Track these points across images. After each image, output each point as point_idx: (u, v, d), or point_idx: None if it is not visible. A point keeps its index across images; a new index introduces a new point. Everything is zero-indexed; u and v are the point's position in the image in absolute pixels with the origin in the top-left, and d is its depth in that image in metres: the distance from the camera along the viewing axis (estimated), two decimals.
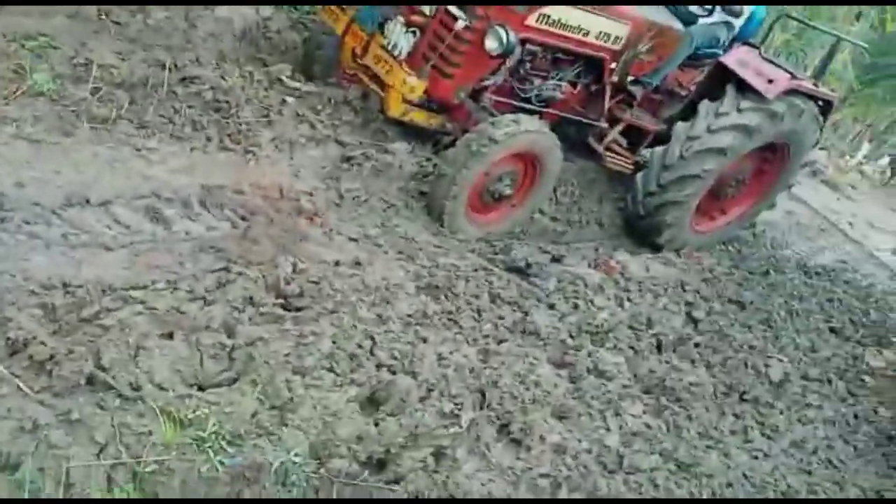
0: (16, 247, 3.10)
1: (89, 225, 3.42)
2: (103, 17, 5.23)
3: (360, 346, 3.32)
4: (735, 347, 4.99)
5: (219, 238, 3.71)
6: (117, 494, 2.15)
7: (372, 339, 3.41)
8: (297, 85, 5.24)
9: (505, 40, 4.76)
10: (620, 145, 6.07)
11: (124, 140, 4.16)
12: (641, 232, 6.01)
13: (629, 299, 5.00)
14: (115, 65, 4.55)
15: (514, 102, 5.37)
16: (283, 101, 5.03)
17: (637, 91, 5.91)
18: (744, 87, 5.63)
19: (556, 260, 5.08)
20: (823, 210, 8.56)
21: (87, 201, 3.55)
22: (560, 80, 5.58)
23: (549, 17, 5.05)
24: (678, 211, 5.81)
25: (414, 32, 4.91)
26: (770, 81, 5.61)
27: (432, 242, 4.63)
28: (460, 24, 4.78)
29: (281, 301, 3.42)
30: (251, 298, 3.29)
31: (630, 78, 5.78)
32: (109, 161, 3.94)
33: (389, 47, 4.95)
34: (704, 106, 5.68)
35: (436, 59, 4.91)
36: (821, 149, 10.93)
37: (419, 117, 5.22)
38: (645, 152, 5.96)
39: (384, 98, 5.10)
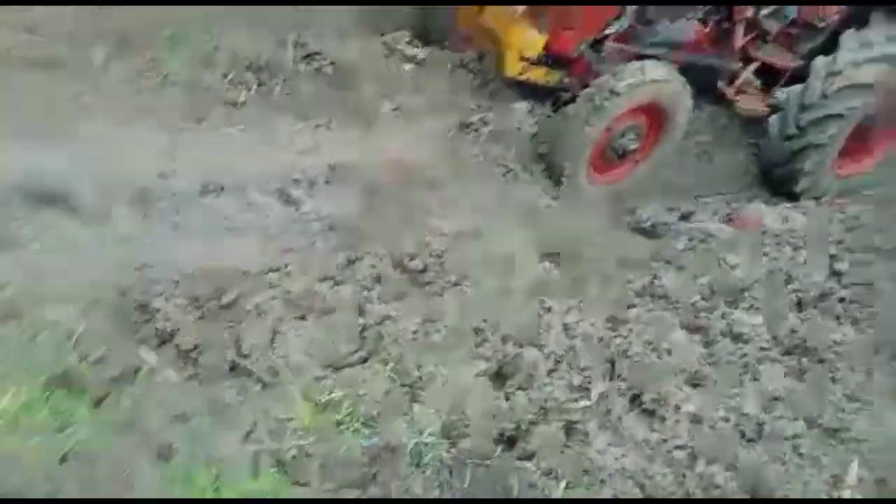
0: (160, 237, 3.32)
1: (226, 211, 3.61)
2: None
3: (484, 321, 3.34)
4: (884, 301, 4.64)
5: (346, 217, 3.82)
6: (261, 480, 2.30)
7: (496, 310, 3.44)
8: (415, 52, 5.23)
9: None
10: (754, 87, 5.66)
11: (253, 123, 4.32)
12: (777, 180, 5.59)
13: (765, 254, 4.73)
14: (245, 48, 4.71)
15: (639, 50, 5.06)
16: (402, 69, 5.05)
17: (772, 25, 5.44)
18: (892, 16, 5.08)
19: (685, 217, 4.89)
20: None
21: (223, 188, 3.73)
22: (689, 18, 5.20)
23: None
24: (819, 155, 5.36)
25: None
26: None
27: (554, 206, 4.56)
28: None
29: (407, 276, 3.50)
30: (378, 276, 3.39)
31: (764, 10, 5.33)
32: (241, 145, 4.12)
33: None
34: (848, 36, 5.16)
35: (556, 11, 4.70)
36: None
37: (537, 75, 5.02)
38: (781, 93, 5.54)
39: (500, 57, 4.97)
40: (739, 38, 5.39)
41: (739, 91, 5.58)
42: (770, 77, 5.64)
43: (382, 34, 5.38)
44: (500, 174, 4.63)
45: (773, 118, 5.45)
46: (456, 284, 3.53)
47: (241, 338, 2.82)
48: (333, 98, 4.65)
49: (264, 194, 3.80)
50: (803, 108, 5.24)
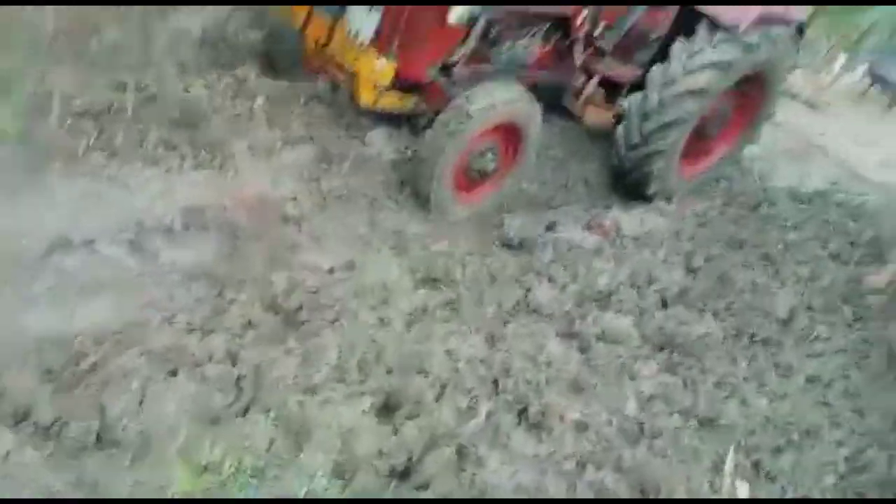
0: (5, 305, 3.03)
1: (75, 270, 3.34)
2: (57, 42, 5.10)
3: (366, 354, 3.28)
4: (738, 289, 4.99)
5: (208, 262, 3.64)
6: None
7: (376, 343, 3.38)
8: (264, 86, 5.11)
9: (467, 11, 4.65)
10: (599, 99, 5.96)
11: (98, 172, 4.05)
12: (630, 186, 5.93)
13: (627, 257, 4.97)
14: (77, 93, 4.43)
15: (487, 70, 5.23)
16: (253, 106, 4.91)
17: (608, 41, 5.78)
18: (715, 24, 5.50)
19: (550, 228, 5.03)
20: (806, 132, 8.49)
21: (70, 244, 3.47)
22: (532, 37, 5.41)
23: None
24: (664, 160, 5.72)
25: (377, 10, 4.73)
26: (739, 13, 5.47)
27: (422, 231, 4.57)
28: None
29: (281, 318, 3.37)
30: (250, 321, 3.25)
31: (601, 25, 5.64)
32: (86, 197, 3.85)
33: (353, 34, 4.81)
34: (678, 46, 5.54)
35: (402, 38, 4.76)
36: (794, 69, 10.83)
37: (391, 102, 5.07)
38: (624, 103, 5.87)
39: (354, 88, 4.97)
40: (579, 55, 5.67)
41: (585, 104, 5.87)
42: (612, 89, 5.97)
43: (229, 70, 5.23)
44: (365, 204, 4.59)
45: (619, 128, 5.76)
46: (334, 321, 3.45)
47: (105, 405, 2.61)
48: (183, 140, 4.45)
49: (117, 247, 3.55)
50: (644, 116, 5.57)
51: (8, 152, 3.96)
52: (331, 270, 3.77)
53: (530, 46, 5.46)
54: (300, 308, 3.41)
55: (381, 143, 4.98)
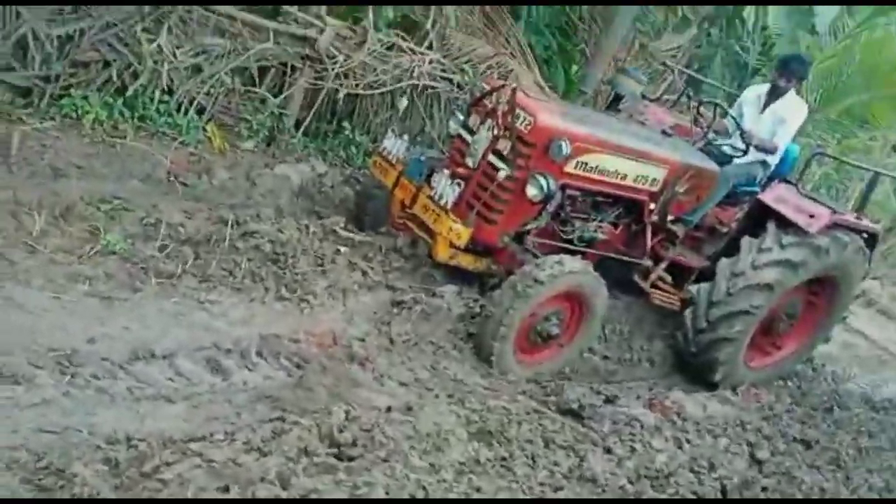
0: (84, 402, 3.22)
1: (153, 378, 3.55)
2: (172, 178, 5.66)
3: (412, 496, 3.28)
4: (804, 490, 4.76)
5: (275, 387, 3.80)
6: None
7: (425, 489, 3.38)
8: (350, 235, 5.47)
9: (546, 188, 4.98)
10: (666, 282, 6.09)
11: (189, 294, 4.37)
12: (695, 370, 5.94)
13: (688, 440, 4.85)
14: (182, 223, 4.85)
15: (557, 244, 5.51)
16: (337, 250, 5.25)
17: (678, 230, 6.01)
18: (785, 224, 5.70)
19: (610, 401, 5.00)
20: (883, 341, 8.31)
21: (152, 355, 3.70)
22: (601, 221, 5.72)
23: (586, 163, 5.24)
24: (730, 347, 5.75)
25: (459, 184, 5.12)
26: (811, 216, 5.66)
27: (482, 384, 4.64)
28: (502, 175, 5.03)
29: (335, 450, 3.43)
30: (306, 448, 3.31)
31: (670, 217, 5.90)
32: (174, 315, 4.14)
33: (436, 197, 5.17)
34: (746, 242, 5.74)
35: (480, 206, 5.14)
36: (873, 279, 10.77)
37: (466, 261, 5.38)
38: (692, 288, 5.98)
39: (432, 244, 5.30)
40: (649, 240, 5.92)
41: (654, 285, 6.02)
42: (681, 274, 6.12)
43: (320, 218, 5.64)
44: (431, 351, 4.73)
45: (687, 312, 5.87)
46: (385, 460, 3.47)
47: None
48: (270, 274, 4.77)
49: (194, 363, 3.76)
50: (712, 304, 5.69)
51: (114, 268, 4.34)
52: (388, 410, 3.84)
53: (601, 227, 5.74)
54: (354, 443, 3.46)
55: (451, 296, 5.18)
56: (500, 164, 5.09)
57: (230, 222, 4.98)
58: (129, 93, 5.97)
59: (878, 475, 5.31)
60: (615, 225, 5.86)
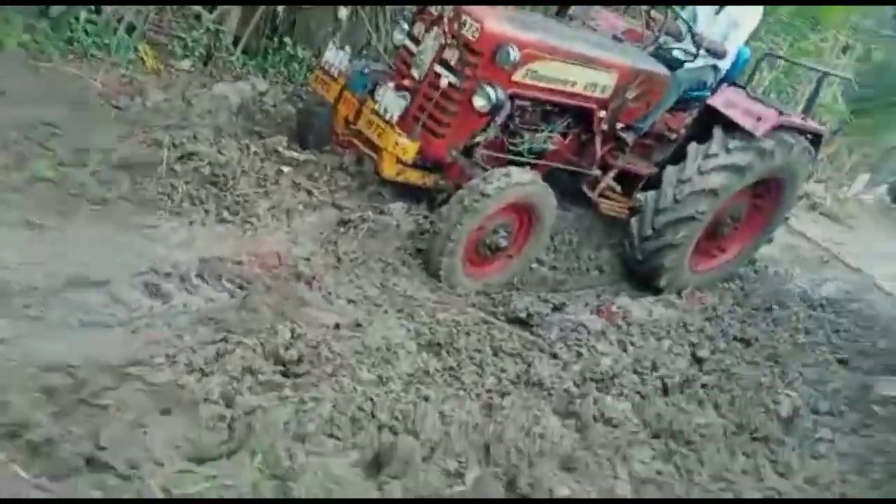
0: (17, 331, 3.15)
1: (89, 305, 3.47)
2: (103, 102, 5.44)
3: (360, 409, 3.32)
4: (742, 385, 4.94)
5: (217, 309, 3.76)
6: None
7: (372, 400, 3.41)
8: (293, 154, 5.36)
9: (494, 97, 4.86)
10: (614, 191, 6.14)
11: (124, 220, 4.25)
12: (641, 276, 6.05)
13: (632, 343, 4.99)
14: (115, 147, 4.69)
15: (506, 156, 5.46)
16: (280, 170, 5.15)
17: (628, 137, 5.99)
18: (732, 128, 5.72)
19: (558, 309, 5.10)
20: (824, 242, 8.55)
21: (88, 282, 3.61)
22: (551, 132, 5.66)
23: (535, 71, 5.12)
24: (675, 253, 5.86)
25: (404, 96, 5.02)
26: (758, 119, 5.69)
27: (432, 299, 4.67)
28: (448, 84, 4.92)
29: (280, 368, 3.44)
30: (250, 368, 3.32)
31: (620, 125, 5.87)
32: (109, 241, 4.03)
33: (381, 111, 5.05)
34: (693, 148, 5.77)
35: (427, 119, 5.03)
36: (818, 181, 11.00)
37: (413, 177, 5.31)
38: (639, 196, 6.02)
39: (378, 160, 5.20)
40: (598, 149, 5.88)
41: (602, 195, 6.04)
42: (629, 182, 6.15)
43: (262, 138, 5.50)
44: (379, 269, 4.72)
45: (633, 220, 5.96)
46: (332, 375, 3.50)
47: (99, 432, 2.68)
48: (210, 197, 4.66)
49: (131, 288, 3.69)
50: (658, 211, 5.77)
51: (43, 195, 4.19)
52: (336, 327, 3.85)
53: (550, 137, 5.68)
54: (300, 359, 3.48)
55: (399, 213, 5.14)
56: (446, 74, 4.97)
57: (166, 144, 4.83)
58: (54, 14, 5.67)
59: (813, 369, 5.54)
60: (564, 135, 5.82)
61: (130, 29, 6.13)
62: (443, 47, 5.01)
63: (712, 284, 6.44)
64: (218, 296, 3.88)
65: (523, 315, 4.82)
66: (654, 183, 5.96)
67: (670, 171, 5.78)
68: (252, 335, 3.54)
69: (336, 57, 5.28)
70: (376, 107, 5.07)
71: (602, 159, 5.97)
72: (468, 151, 5.32)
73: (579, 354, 4.63)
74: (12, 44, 5.43)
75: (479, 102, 4.91)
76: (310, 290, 4.25)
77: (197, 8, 6.44)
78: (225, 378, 3.20)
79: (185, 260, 4.02)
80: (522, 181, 4.91)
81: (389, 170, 5.14)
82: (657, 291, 5.96)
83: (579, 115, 5.72)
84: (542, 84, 5.23)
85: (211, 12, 6.52)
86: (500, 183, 4.80)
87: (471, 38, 4.88)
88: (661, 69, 5.87)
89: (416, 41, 5.18)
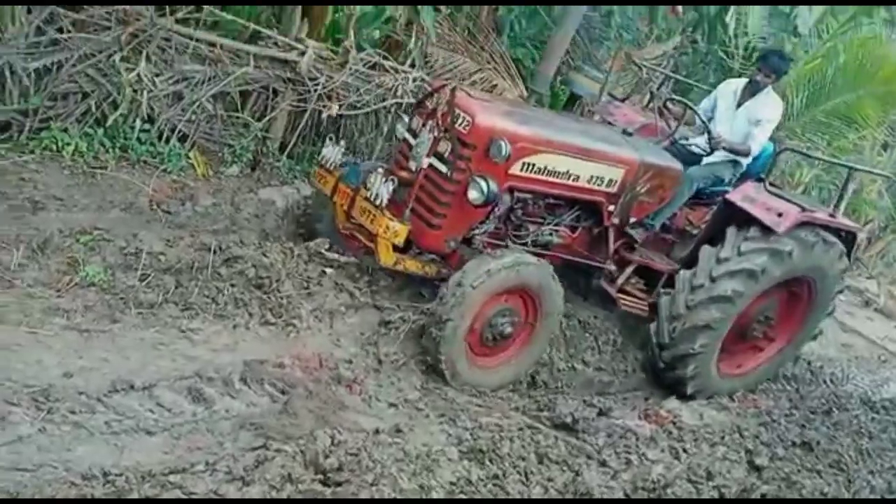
0: (60, 437, 3.15)
1: (132, 410, 3.48)
2: (154, 207, 5.62)
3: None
4: (805, 495, 4.68)
5: (258, 414, 3.73)
6: None
7: None
8: (336, 256, 5.38)
9: (486, 190, 4.70)
10: (636, 286, 5.82)
11: (170, 323, 4.29)
12: (668, 384, 5.71)
13: (684, 450, 4.78)
14: (163, 251, 4.79)
15: (511, 247, 5.19)
16: (323, 272, 5.17)
17: (637, 234, 5.73)
18: (752, 224, 5.43)
19: (604, 413, 4.93)
20: (881, 340, 8.24)
21: (132, 386, 3.63)
22: (556, 224, 5.44)
23: (533, 164, 4.97)
24: (695, 362, 5.53)
25: (392, 180, 4.84)
26: (779, 215, 5.36)
27: (474, 402, 4.57)
28: (442, 177, 4.83)
29: (320, 476, 3.36)
30: (290, 476, 3.24)
31: (632, 220, 5.64)
32: (155, 345, 4.07)
33: (371, 197, 4.87)
34: (705, 252, 5.50)
35: (423, 211, 4.91)
36: (869, 277, 10.74)
37: (413, 266, 5.13)
38: (657, 298, 5.67)
39: (375, 249, 4.96)
40: (611, 244, 5.65)
41: (622, 291, 5.76)
42: (652, 277, 5.86)
43: (305, 241, 5.57)
44: (419, 371, 4.65)
45: (651, 326, 5.67)
46: (372, 484, 3.40)
47: None
48: (253, 299, 4.69)
49: (175, 393, 3.69)
50: (672, 318, 5.47)
51: (92, 300, 4.27)
52: (376, 432, 3.77)
53: (556, 230, 5.47)
54: (340, 467, 3.39)
55: None
56: (440, 167, 4.88)
57: (213, 249, 4.92)
58: (110, 123, 5.96)
59: (881, 476, 5.23)
60: (574, 228, 5.60)
61: (182, 138, 6.39)
62: (437, 140, 4.92)
63: (755, 386, 6.11)
64: (259, 400, 3.86)
65: (568, 420, 4.66)
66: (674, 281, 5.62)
67: (683, 277, 5.50)
68: (292, 442, 3.48)
69: (332, 152, 5.23)
70: (368, 194, 4.91)
71: (617, 254, 5.72)
72: (469, 242, 5.14)
73: (629, 462, 4.44)
74: (69, 151, 5.69)
75: (472, 195, 4.76)
76: (350, 393, 4.21)
77: (245, 116, 6.71)
78: (265, 487, 3.13)
79: (229, 363, 4.03)
80: (507, 265, 4.66)
81: (386, 258, 4.94)
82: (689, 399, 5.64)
83: (587, 209, 5.51)
84: (540, 177, 5.08)
85: (259, 121, 6.78)
86: (479, 272, 4.59)
87: (463, 131, 4.79)
88: (674, 164, 5.67)
89: (415, 134, 5.09)
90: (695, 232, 6.04)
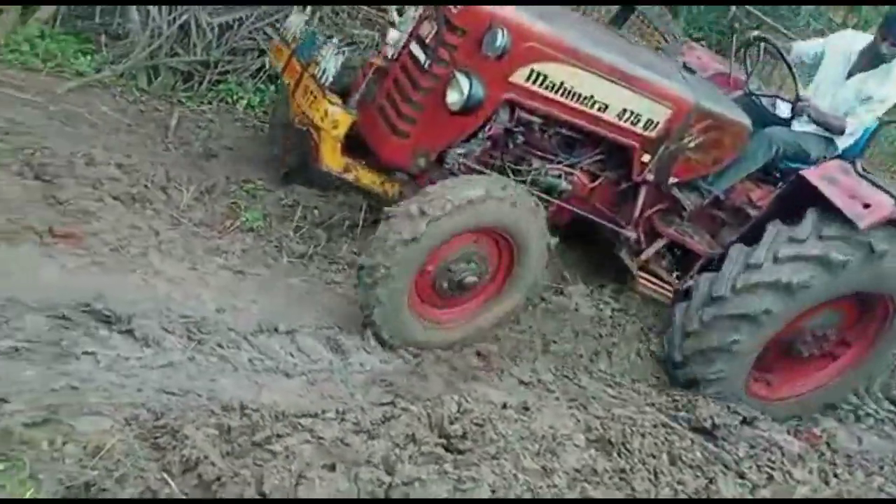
0: (206, 368, 3.33)
1: (274, 352, 3.62)
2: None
3: (520, 499, 3.13)
4: None
5: (390, 371, 3.77)
6: None
7: (533, 492, 3.22)
8: None
9: (468, 92, 3.61)
10: (662, 266, 4.80)
11: (317, 275, 4.44)
12: (680, 385, 4.64)
13: (836, 475, 4.39)
14: (317, 206, 4.95)
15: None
16: None
17: (688, 199, 4.59)
18: (831, 213, 4.23)
19: (749, 422, 4.60)
20: None
21: (276, 329, 3.77)
22: (570, 165, 4.32)
23: (544, 76, 3.88)
24: (724, 362, 4.40)
25: (343, 52, 3.96)
26: (865, 206, 4.16)
27: (609, 392, 4.41)
28: (418, 67, 3.81)
29: (443, 441, 3.34)
30: (413, 436, 3.25)
31: (672, 180, 4.52)
32: (301, 293, 4.21)
33: (318, 74, 3.94)
34: (774, 227, 4.31)
35: (390, 110, 3.94)
36: None
37: (367, 177, 4.12)
38: (695, 281, 4.54)
39: (318, 145, 4.01)
40: (639, 205, 4.52)
41: (644, 268, 4.71)
42: (683, 260, 4.78)
43: None
44: (559, 354, 4.54)
45: (677, 308, 4.54)
46: (494, 457, 3.34)
47: (264, 477, 2.70)
48: None
49: (315, 340, 3.81)
50: (711, 300, 4.32)
51: (249, 244, 4.48)
52: (504, 406, 3.71)
53: (569, 174, 4.35)
54: (464, 435, 3.36)
55: (580, 296, 4.95)
56: (419, 55, 3.85)
57: (363, 208, 5.03)
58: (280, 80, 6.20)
59: None
60: (593, 176, 4.47)
61: None
62: (422, 18, 3.90)
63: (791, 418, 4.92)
64: (392, 358, 3.90)
65: (708, 424, 4.39)
66: (714, 267, 4.50)
67: (737, 250, 4.36)
68: (419, 403, 3.49)
69: (295, 21, 4.30)
70: (316, 70, 3.96)
71: (648, 222, 4.64)
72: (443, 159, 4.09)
73: (770, 478, 4.13)
74: (242, 105, 5.99)
75: (450, 97, 3.69)
76: (482, 364, 4.17)
77: None
78: (389, 443, 3.14)
79: None
80: (473, 197, 3.59)
81: (331, 159, 3.94)
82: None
83: (614, 153, 4.39)
84: (554, 96, 3.97)
85: None
86: (440, 201, 3.55)
87: (453, 10, 3.69)
88: (741, 118, 4.52)
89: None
90: (752, 213, 4.81)
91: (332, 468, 2.96)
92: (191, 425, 2.82)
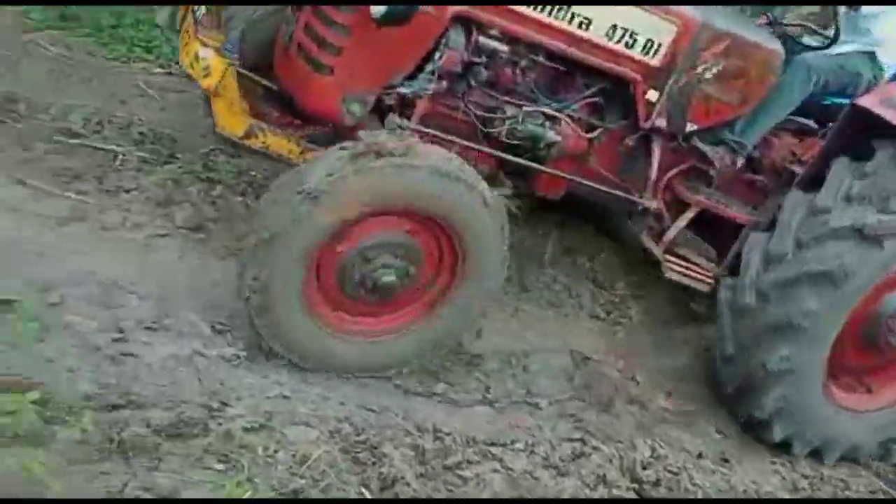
0: (398, 397, 3.38)
1: (464, 377, 3.64)
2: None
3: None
4: None
5: (579, 407, 3.69)
6: None
7: None
8: None
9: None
10: (694, 247, 3.88)
11: (505, 301, 4.43)
12: (730, 396, 3.73)
13: None
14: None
15: (464, 142, 3.22)
16: (657, 277, 4.96)
17: (715, 153, 3.59)
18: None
19: None
20: None
21: (465, 355, 3.80)
22: (557, 110, 3.34)
23: None
24: (791, 344, 3.36)
25: None
26: None
27: None
28: None
29: (635, 486, 3.22)
30: (604, 477, 3.16)
31: (691, 126, 3.49)
32: (489, 319, 4.23)
33: (196, 11, 3.18)
34: (840, 164, 3.47)
35: (307, 40, 3.08)
36: None
37: (277, 142, 3.13)
38: (744, 250, 3.64)
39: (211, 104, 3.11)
40: (655, 162, 3.52)
41: (670, 250, 3.81)
42: (720, 236, 3.82)
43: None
44: None
45: (724, 286, 3.60)
46: None
47: None
48: (586, 292, 4.65)
49: (500, 370, 3.79)
50: (767, 263, 3.42)
51: None
52: (699, 456, 3.51)
53: (554, 121, 3.37)
54: (658, 482, 3.22)
55: None
56: None
57: (552, 237, 4.98)
58: None
59: None
60: (589, 126, 3.46)
61: None
62: None
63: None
64: (583, 395, 3.81)
65: None
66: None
67: (795, 198, 3.51)
68: (611, 443, 3.38)
69: None
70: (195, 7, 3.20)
71: (669, 188, 3.69)
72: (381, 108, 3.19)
73: None
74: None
75: (373, 8, 2.84)
76: (670, 405, 3.98)
77: None
78: (578, 482, 3.08)
79: (558, 351, 4.03)
80: (393, 164, 2.66)
81: (229, 122, 3.03)
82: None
83: (612, 90, 3.39)
84: (517, 7, 3.08)
85: None
86: (326, 170, 2.64)
87: None
88: (767, 41, 3.51)
89: None
90: (797, 171, 3.81)
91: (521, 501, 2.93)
92: (389, 443, 2.89)
